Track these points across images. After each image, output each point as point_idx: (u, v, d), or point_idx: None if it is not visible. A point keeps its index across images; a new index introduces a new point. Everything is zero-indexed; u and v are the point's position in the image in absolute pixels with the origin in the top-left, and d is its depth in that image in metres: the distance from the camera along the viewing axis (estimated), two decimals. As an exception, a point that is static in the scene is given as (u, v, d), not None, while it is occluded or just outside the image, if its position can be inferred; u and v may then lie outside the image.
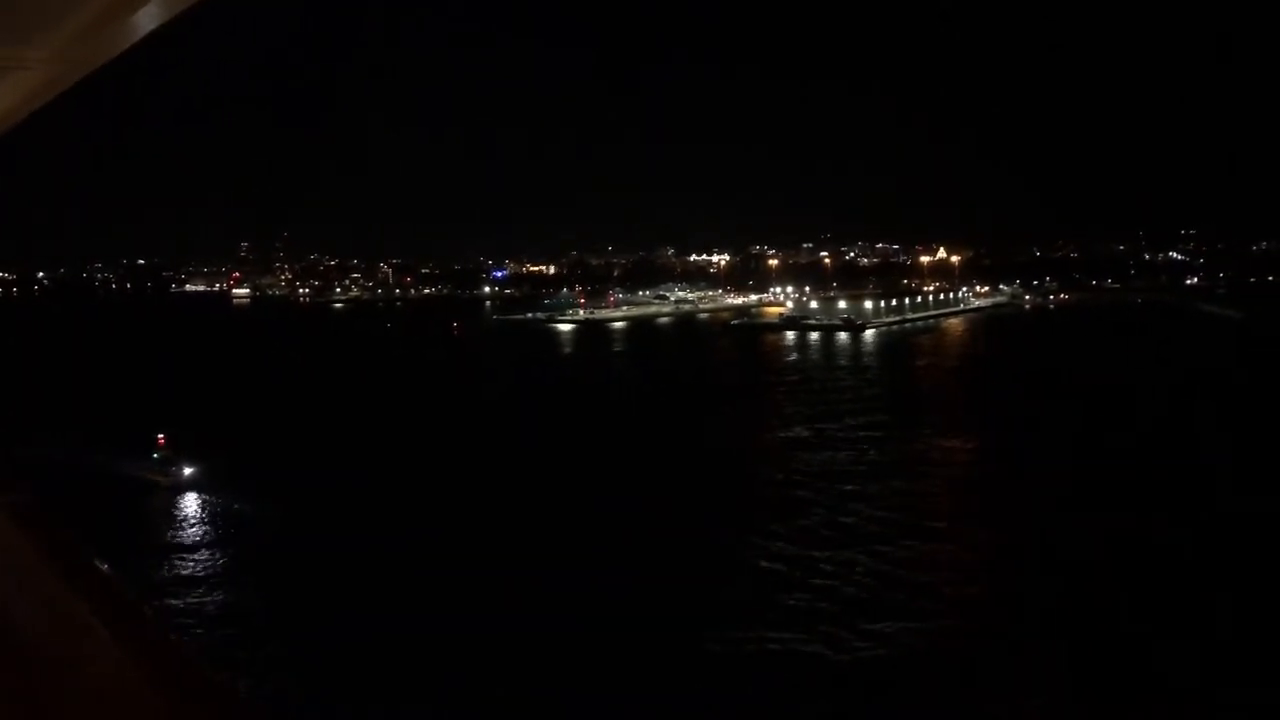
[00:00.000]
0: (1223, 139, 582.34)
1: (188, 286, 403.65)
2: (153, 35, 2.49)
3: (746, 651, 28.66)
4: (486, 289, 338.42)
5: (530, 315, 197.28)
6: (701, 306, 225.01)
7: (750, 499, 46.04)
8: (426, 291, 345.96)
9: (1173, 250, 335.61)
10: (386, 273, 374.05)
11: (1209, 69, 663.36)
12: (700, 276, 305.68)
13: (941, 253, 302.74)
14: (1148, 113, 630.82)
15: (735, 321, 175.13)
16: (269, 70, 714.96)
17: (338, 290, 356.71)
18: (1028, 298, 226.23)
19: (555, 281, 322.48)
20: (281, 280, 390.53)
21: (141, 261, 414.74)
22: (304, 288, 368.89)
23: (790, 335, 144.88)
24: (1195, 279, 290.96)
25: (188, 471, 49.85)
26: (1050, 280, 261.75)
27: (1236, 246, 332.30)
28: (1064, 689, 25.87)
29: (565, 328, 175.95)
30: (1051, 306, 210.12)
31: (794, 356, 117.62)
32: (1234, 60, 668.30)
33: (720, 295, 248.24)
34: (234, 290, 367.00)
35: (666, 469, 52.39)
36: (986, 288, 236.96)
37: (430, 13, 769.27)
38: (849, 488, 46.94)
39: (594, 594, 32.41)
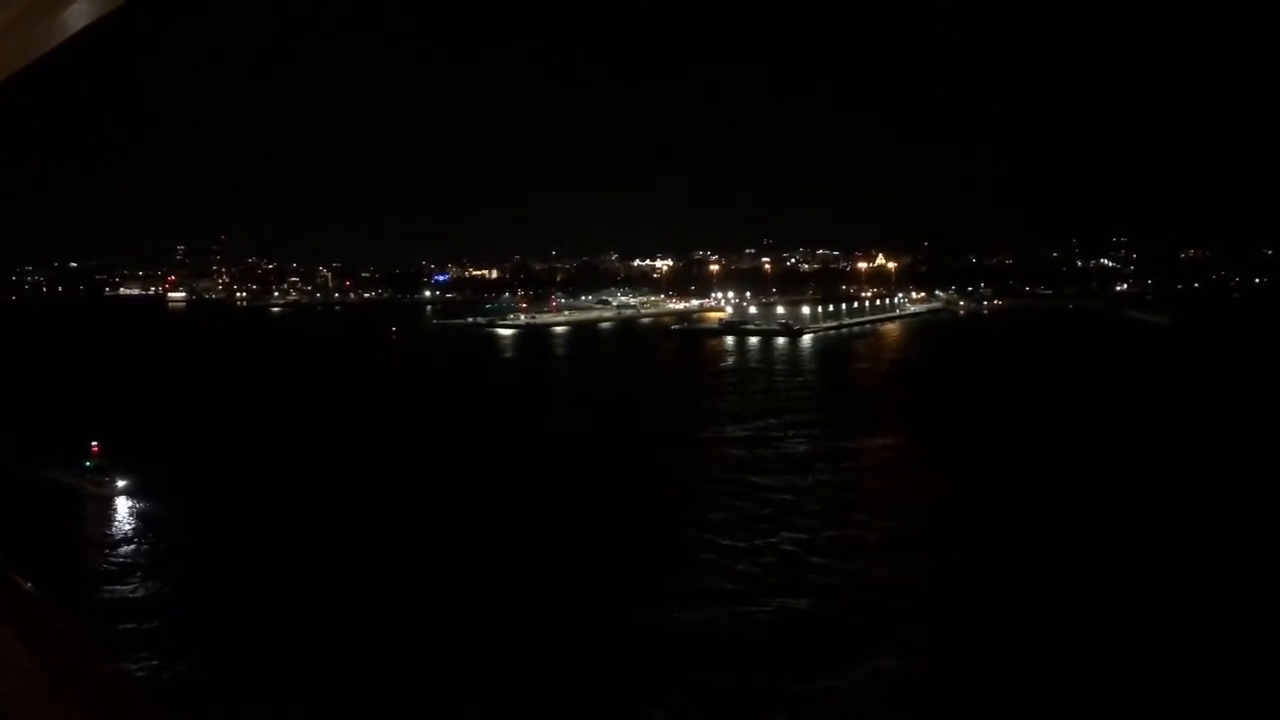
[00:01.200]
0: (1154, 148, 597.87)
1: (122, 290, 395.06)
2: (85, 32, 2.42)
3: (672, 627, 29.19)
4: (427, 293, 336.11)
5: (470, 320, 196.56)
6: (643, 311, 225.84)
7: (679, 490, 46.55)
8: (366, 296, 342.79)
9: (1105, 258, 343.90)
10: (326, 276, 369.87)
11: (1142, 80, 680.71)
12: (643, 282, 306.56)
13: (881, 259, 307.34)
14: (1084, 122, 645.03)
15: (675, 326, 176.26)
16: (207, 70, 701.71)
17: (275, 294, 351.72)
18: (962, 303, 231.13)
19: (498, 286, 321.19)
20: (219, 284, 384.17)
21: (74, 264, 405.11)
22: (241, 291, 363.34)
23: (729, 340, 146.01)
24: (1125, 285, 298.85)
25: (121, 483, 48.30)
26: (985, 287, 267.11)
27: (1166, 254, 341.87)
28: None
29: (505, 332, 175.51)
30: (985, 312, 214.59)
31: (730, 361, 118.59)
32: (1166, 71, 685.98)
33: (662, 300, 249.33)
34: (169, 294, 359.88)
35: (597, 465, 52.78)
36: (923, 294, 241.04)
37: (370, 12, 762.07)
38: (771, 480, 47.64)
39: (535, 583, 32.71)
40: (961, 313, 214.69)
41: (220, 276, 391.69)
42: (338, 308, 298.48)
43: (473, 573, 33.63)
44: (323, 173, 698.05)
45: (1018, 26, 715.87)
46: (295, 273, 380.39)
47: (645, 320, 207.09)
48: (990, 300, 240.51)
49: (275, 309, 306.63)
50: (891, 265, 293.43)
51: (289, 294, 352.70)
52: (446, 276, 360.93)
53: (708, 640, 28.59)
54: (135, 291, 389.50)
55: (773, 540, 37.58)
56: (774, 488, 46.31)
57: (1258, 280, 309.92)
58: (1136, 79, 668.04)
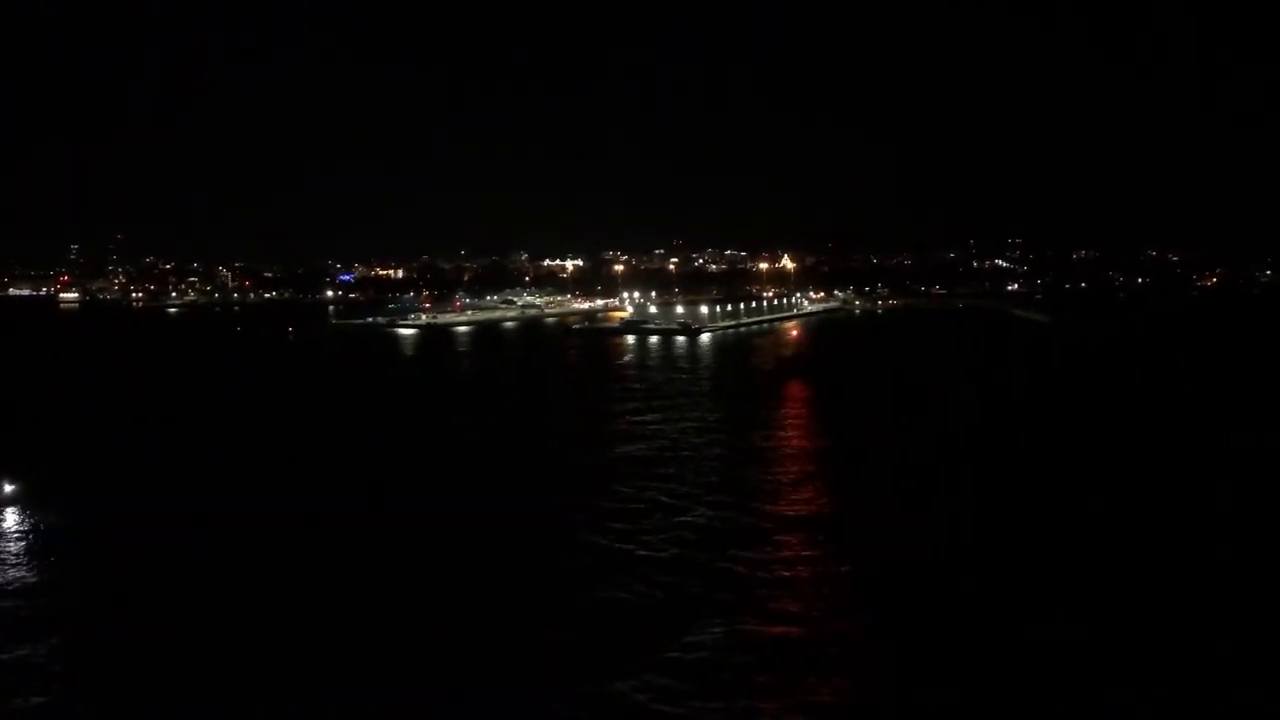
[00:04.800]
0: (1049, 150, 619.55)
1: (11, 290, 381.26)
2: None
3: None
4: (330, 293, 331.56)
5: (370, 320, 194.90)
6: (548, 311, 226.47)
7: (573, 480, 47.89)
8: (267, 296, 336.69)
9: (1000, 258, 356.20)
10: (226, 276, 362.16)
11: (1044, 86, 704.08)
12: (551, 282, 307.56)
13: (786, 260, 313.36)
14: (984, 124, 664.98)
15: (577, 326, 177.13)
16: (103, 64, 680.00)
17: (173, 294, 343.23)
18: (858, 303, 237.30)
19: (404, 285, 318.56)
20: (114, 284, 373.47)
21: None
22: (138, 291, 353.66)
23: (630, 339, 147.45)
24: (1016, 285, 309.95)
25: (8, 488, 46.42)
26: (882, 286, 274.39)
27: (1057, 255, 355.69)
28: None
29: (406, 332, 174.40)
30: (880, 311, 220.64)
31: (627, 358, 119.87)
32: (1064, 74, 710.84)
33: (568, 300, 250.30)
34: (61, 294, 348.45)
35: (488, 459, 53.71)
36: (822, 294, 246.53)
37: (278, 9, 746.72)
38: (664, 470, 49.07)
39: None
40: (857, 312, 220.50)
41: (116, 276, 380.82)
42: (237, 308, 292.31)
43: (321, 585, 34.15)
44: (229, 171, 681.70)
45: (926, 33, 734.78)
46: (195, 272, 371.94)
47: (550, 320, 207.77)
48: (885, 300, 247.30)
49: (172, 309, 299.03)
50: (791, 266, 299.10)
51: (187, 294, 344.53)
52: (352, 276, 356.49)
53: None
54: (25, 292, 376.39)
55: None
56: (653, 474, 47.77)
57: (1141, 280, 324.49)
58: (1038, 86, 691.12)
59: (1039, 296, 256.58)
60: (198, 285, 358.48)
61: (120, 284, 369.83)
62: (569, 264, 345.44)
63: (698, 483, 46.24)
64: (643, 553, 35.44)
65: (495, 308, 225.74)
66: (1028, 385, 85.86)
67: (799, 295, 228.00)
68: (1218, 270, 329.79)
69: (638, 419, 66.50)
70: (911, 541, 36.45)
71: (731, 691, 24.07)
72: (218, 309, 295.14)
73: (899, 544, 36.17)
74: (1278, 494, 42.42)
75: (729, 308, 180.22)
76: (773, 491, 44.68)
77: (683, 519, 39.91)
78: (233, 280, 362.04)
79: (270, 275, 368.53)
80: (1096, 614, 28.64)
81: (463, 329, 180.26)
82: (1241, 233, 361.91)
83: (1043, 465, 49.59)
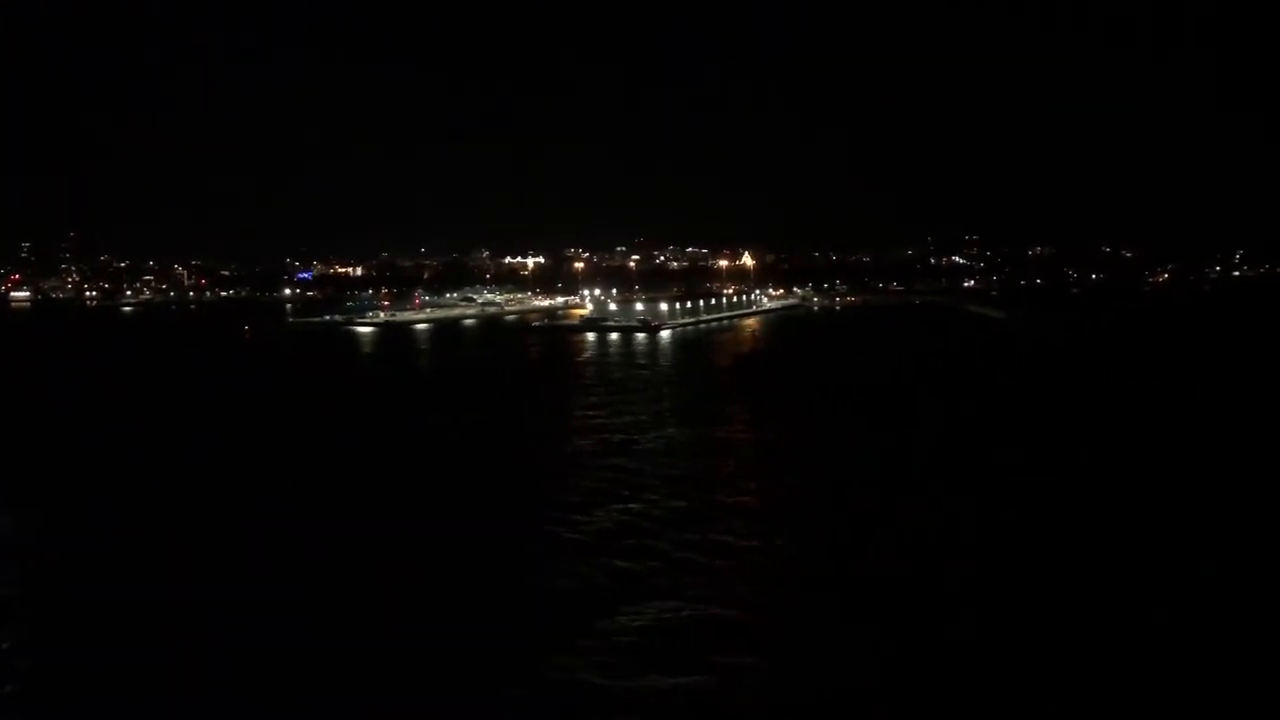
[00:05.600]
0: (1006, 149, 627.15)
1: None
2: None
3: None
4: (288, 291, 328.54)
5: (328, 318, 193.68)
6: (508, 309, 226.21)
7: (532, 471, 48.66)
8: (224, 294, 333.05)
9: (957, 255, 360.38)
10: (182, 274, 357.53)
11: (999, 83, 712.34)
12: (512, 279, 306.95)
13: (747, 258, 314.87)
14: (942, 123, 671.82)
15: (537, 323, 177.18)
16: (58, 57, 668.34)
17: (128, 293, 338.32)
18: (816, 300, 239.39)
19: (363, 283, 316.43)
20: (68, 283, 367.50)
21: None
22: (92, 290, 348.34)
23: (590, 336, 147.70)
24: (973, 282, 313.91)
25: None
26: (840, 283, 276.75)
27: (1013, 252, 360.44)
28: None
29: (364, 330, 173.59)
30: (838, 308, 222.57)
31: (586, 355, 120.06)
32: (1019, 74, 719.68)
33: (528, 298, 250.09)
34: (12, 293, 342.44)
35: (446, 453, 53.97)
36: (781, 290, 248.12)
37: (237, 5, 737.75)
38: (614, 461, 49.57)
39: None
40: (815, 309, 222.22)
41: (69, 275, 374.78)
42: (193, 306, 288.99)
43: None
44: (186, 170, 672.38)
45: (884, 33, 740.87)
46: (150, 271, 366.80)
47: (510, 317, 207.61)
48: (844, 296, 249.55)
49: (127, 308, 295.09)
50: (752, 263, 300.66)
51: (142, 293, 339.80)
52: (310, 274, 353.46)
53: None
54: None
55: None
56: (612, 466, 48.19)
57: (1095, 276, 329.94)
58: (995, 85, 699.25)
59: (995, 293, 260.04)
60: (153, 284, 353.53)
61: (74, 282, 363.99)
62: (530, 261, 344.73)
63: (645, 473, 46.81)
64: (587, 539, 36.02)
65: (455, 305, 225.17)
66: (974, 375, 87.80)
67: (758, 292, 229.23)
68: (1169, 267, 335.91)
69: (590, 414, 66.85)
70: (846, 530, 37.15)
71: (662, 663, 24.80)
72: (173, 307, 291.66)
73: (835, 532, 36.90)
74: (1228, 486, 43.40)
75: (689, 305, 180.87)
76: (716, 482, 45.32)
77: (630, 506, 40.59)
78: (189, 279, 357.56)
79: (227, 274, 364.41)
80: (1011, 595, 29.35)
81: (422, 327, 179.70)
82: (1193, 230, 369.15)
83: (982, 454, 50.55)
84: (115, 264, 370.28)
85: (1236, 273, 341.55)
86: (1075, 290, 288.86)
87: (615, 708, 22.79)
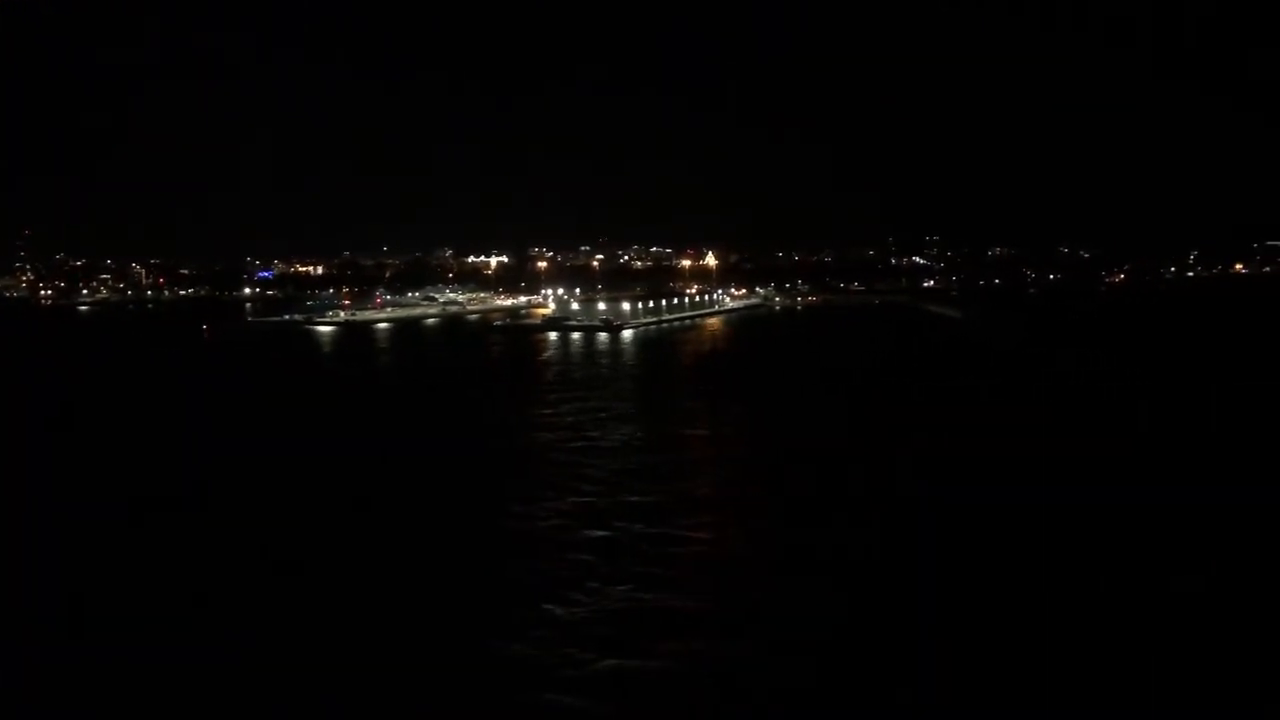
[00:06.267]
0: (970, 150, 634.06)
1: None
2: None
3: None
4: (248, 290, 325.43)
5: (287, 317, 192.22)
6: (470, 308, 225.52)
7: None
8: (183, 293, 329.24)
9: (918, 256, 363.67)
10: (140, 273, 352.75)
11: (960, 84, 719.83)
12: (475, 278, 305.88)
13: (710, 257, 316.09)
14: (905, 124, 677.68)
15: (499, 322, 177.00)
16: (10, 56, 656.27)
17: (84, 292, 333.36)
18: (778, 299, 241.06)
19: (324, 282, 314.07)
20: (22, 281, 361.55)
21: None
22: (47, 289, 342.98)
23: (552, 335, 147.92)
24: (933, 282, 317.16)
25: None
26: (802, 283, 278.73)
27: (973, 252, 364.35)
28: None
29: (324, 329, 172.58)
30: (799, 308, 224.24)
31: (547, 354, 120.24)
32: (980, 75, 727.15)
33: (491, 297, 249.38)
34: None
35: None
36: (744, 290, 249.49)
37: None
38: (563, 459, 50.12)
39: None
40: (777, 308, 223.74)
41: (24, 273, 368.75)
42: (150, 305, 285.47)
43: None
44: (145, 168, 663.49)
45: (845, 35, 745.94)
46: (107, 269, 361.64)
47: (472, 317, 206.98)
48: (805, 296, 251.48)
49: (83, 307, 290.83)
50: (714, 262, 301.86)
51: (99, 291, 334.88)
52: (271, 273, 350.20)
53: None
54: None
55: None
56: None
57: (1053, 276, 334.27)
58: (956, 86, 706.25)
59: (954, 293, 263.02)
60: (110, 283, 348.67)
61: (29, 281, 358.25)
62: (494, 261, 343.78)
63: (597, 466, 47.65)
64: (539, 528, 37.20)
65: (416, 305, 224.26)
66: (926, 372, 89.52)
67: (721, 291, 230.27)
68: (1125, 267, 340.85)
69: (548, 410, 67.31)
70: (785, 519, 38.55)
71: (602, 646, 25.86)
72: (131, 306, 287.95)
73: (778, 523, 38.18)
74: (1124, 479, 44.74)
75: (651, 304, 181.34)
76: (664, 474, 46.15)
77: (578, 499, 41.39)
78: (147, 278, 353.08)
79: (186, 272, 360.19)
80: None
81: (382, 326, 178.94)
82: (1150, 231, 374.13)
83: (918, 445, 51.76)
84: (71, 263, 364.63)
85: (1191, 273, 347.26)
86: (1033, 290, 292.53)
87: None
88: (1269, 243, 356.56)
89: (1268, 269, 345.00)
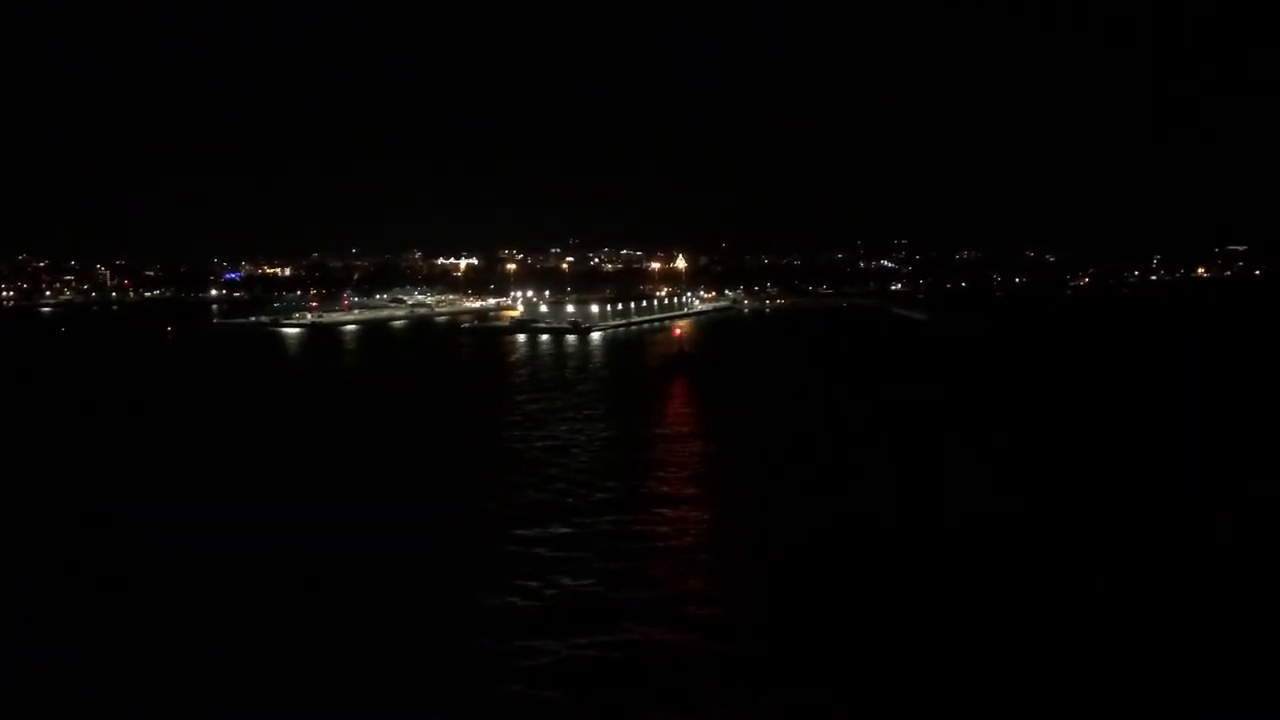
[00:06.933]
0: (937, 154, 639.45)
1: None
2: None
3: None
4: (215, 291, 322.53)
5: (254, 319, 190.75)
6: (439, 310, 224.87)
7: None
8: (148, 294, 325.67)
9: (885, 259, 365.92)
10: (104, 274, 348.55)
11: (929, 88, 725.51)
12: (444, 280, 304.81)
13: (680, 260, 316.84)
14: (875, 128, 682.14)
15: (467, 325, 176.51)
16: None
17: (47, 294, 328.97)
18: (746, 302, 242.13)
19: (292, 284, 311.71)
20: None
21: None
22: (9, 290, 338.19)
23: (520, 337, 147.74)
24: (900, 285, 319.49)
25: None
26: (771, 286, 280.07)
27: (941, 256, 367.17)
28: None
29: (291, 331, 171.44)
30: (768, 310, 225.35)
31: (514, 356, 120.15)
32: (949, 78, 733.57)
33: (460, 299, 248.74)
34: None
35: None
36: (713, 293, 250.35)
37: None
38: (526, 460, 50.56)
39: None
40: (746, 311, 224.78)
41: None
42: (115, 307, 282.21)
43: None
44: (110, 168, 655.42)
45: (817, 38, 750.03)
46: (71, 271, 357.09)
47: (440, 319, 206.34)
48: (774, 299, 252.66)
49: (45, 309, 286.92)
50: (684, 265, 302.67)
51: (62, 293, 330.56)
52: (238, 275, 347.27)
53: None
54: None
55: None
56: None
57: (1019, 280, 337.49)
58: (925, 90, 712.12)
59: (921, 296, 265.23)
60: (74, 284, 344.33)
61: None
62: (463, 263, 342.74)
63: (557, 464, 48.46)
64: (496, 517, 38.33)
65: (384, 307, 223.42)
66: (888, 372, 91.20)
67: (690, 294, 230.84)
68: (1090, 271, 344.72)
69: (513, 408, 67.55)
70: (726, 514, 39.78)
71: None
72: (95, 308, 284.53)
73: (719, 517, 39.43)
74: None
75: (620, 307, 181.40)
76: (621, 472, 46.83)
77: (533, 495, 42.18)
78: (111, 279, 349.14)
79: (152, 274, 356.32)
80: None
81: (350, 328, 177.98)
82: (1115, 235, 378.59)
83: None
84: (34, 263, 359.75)
85: (1154, 277, 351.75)
86: (999, 294, 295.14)
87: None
88: (1230, 247, 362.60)
89: (1229, 272, 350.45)
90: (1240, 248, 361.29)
